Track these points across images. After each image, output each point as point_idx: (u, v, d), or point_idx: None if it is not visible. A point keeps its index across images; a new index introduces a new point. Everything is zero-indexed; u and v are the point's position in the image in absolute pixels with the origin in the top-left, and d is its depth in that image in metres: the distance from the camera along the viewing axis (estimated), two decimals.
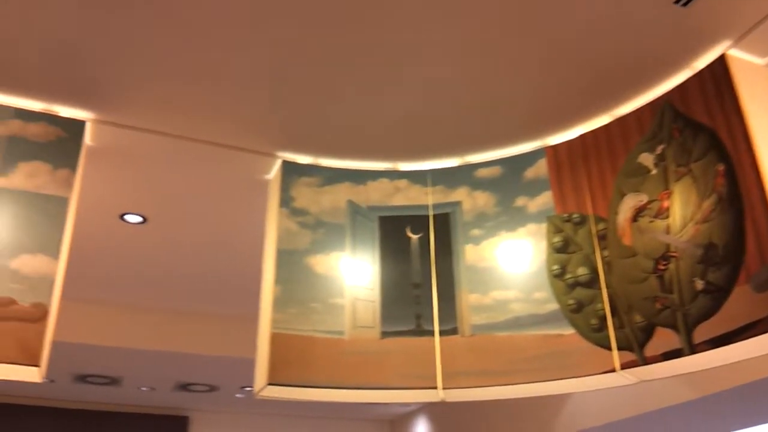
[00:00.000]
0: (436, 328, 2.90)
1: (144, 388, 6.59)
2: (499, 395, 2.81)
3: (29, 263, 2.56)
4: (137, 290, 4.76)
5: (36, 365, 2.46)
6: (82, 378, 6.14)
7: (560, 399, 4.87)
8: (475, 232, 3.03)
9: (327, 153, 3.23)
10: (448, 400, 2.83)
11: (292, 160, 3.22)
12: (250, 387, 6.48)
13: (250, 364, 5.29)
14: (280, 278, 2.95)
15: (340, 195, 3.18)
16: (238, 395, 6.89)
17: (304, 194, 3.15)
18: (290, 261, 2.99)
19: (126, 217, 3.69)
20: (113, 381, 6.28)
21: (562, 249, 2.84)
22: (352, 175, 3.22)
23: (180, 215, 3.72)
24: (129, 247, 4.04)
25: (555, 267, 2.82)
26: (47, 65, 2.64)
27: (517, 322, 2.80)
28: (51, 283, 2.56)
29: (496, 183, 3.08)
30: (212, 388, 6.61)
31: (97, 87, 2.75)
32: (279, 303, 2.89)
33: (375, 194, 3.20)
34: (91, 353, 5.28)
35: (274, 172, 3.28)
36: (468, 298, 2.91)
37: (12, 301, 2.50)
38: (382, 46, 2.58)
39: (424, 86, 2.79)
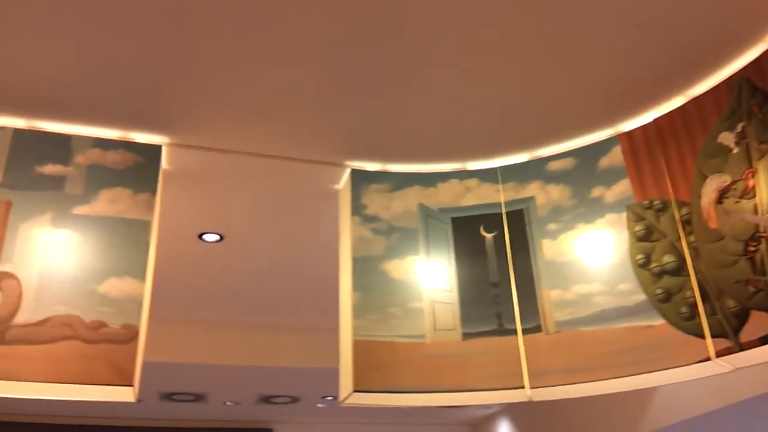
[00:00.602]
0: (519, 326, 2.85)
1: (229, 403, 6.71)
2: (589, 392, 2.74)
3: (117, 286, 2.64)
4: (217, 307, 4.86)
5: (130, 385, 2.53)
6: (168, 396, 6.31)
7: (647, 394, 4.72)
8: (552, 226, 2.97)
9: (394, 158, 3.23)
10: (536, 399, 2.78)
11: (360, 168, 3.23)
12: (331, 396, 6.57)
13: (329, 374, 5.37)
14: (357, 285, 2.96)
15: (411, 199, 3.17)
16: (319, 405, 6.95)
17: (375, 201, 3.16)
18: (366, 268, 3.00)
19: (204, 236, 3.78)
20: (198, 397, 6.42)
21: (645, 237, 2.75)
22: (421, 179, 3.22)
23: (255, 230, 3.78)
24: (207, 265, 4.13)
25: (639, 256, 2.74)
26: (122, 94, 2.72)
27: (603, 316, 2.72)
28: (139, 304, 2.64)
29: (570, 175, 3.02)
30: (294, 400, 6.69)
31: (171, 112, 2.83)
32: (358, 310, 2.90)
33: (445, 196, 3.18)
34: (177, 371, 5.42)
35: (343, 181, 3.30)
36: (549, 295, 2.85)
37: (103, 324, 2.58)
38: (445, 45, 2.56)
39: (490, 82, 2.75)
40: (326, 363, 5.11)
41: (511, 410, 7.14)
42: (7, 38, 2.44)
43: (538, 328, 2.82)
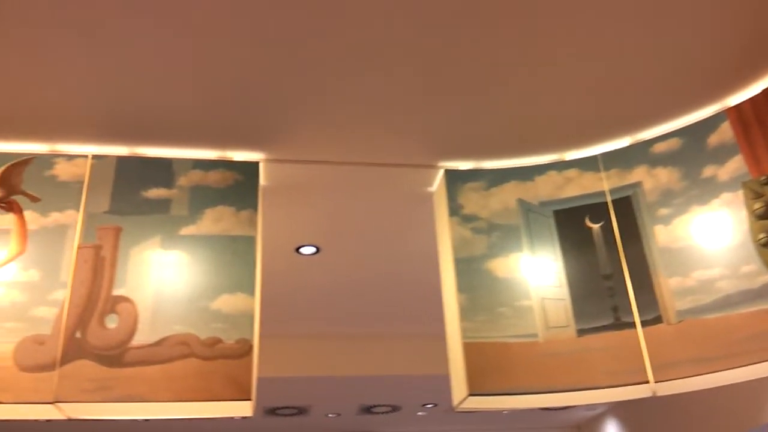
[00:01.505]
0: (637, 318, 2.73)
1: (330, 415, 6.75)
2: (719, 382, 2.59)
3: (229, 302, 2.68)
4: (317, 319, 4.89)
5: (248, 399, 2.55)
6: (272, 411, 6.39)
7: (762, 385, 4.45)
8: (663, 211, 2.83)
9: (488, 155, 3.16)
10: (661, 393, 2.65)
11: (454, 168, 3.18)
12: (431, 404, 6.51)
13: (430, 381, 5.32)
14: (462, 287, 2.90)
15: (509, 195, 3.09)
16: (419, 413, 6.91)
17: (472, 200, 3.10)
18: (470, 268, 2.94)
19: (301, 249, 3.80)
20: (301, 411, 6.49)
21: (765, 215, 2.58)
22: (518, 173, 3.13)
23: (350, 239, 3.77)
24: (305, 278, 4.15)
25: (761, 235, 2.57)
26: (218, 115, 2.78)
27: (728, 301, 2.57)
28: (251, 318, 2.67)
29: (678, 156, 2.87)
30: (394, 409, 6.67)
31: (265, 128, 2.86)
32: (466, 312, 2.84)
33: (544, 189, 3.09)
34: (281, 385, 5.48)
35: (437, 182, 3.26)
36: (667, 283, 2.71)
37: (218, 341, 2.62)
38: (535, 35, 2.48)
39: (583, 66, 2.66)
40: (427, 370, 5.06)
41: (618, 409, 6.91)
42: (105, 69, 2.52)
43: (658, 319, 2.69)
